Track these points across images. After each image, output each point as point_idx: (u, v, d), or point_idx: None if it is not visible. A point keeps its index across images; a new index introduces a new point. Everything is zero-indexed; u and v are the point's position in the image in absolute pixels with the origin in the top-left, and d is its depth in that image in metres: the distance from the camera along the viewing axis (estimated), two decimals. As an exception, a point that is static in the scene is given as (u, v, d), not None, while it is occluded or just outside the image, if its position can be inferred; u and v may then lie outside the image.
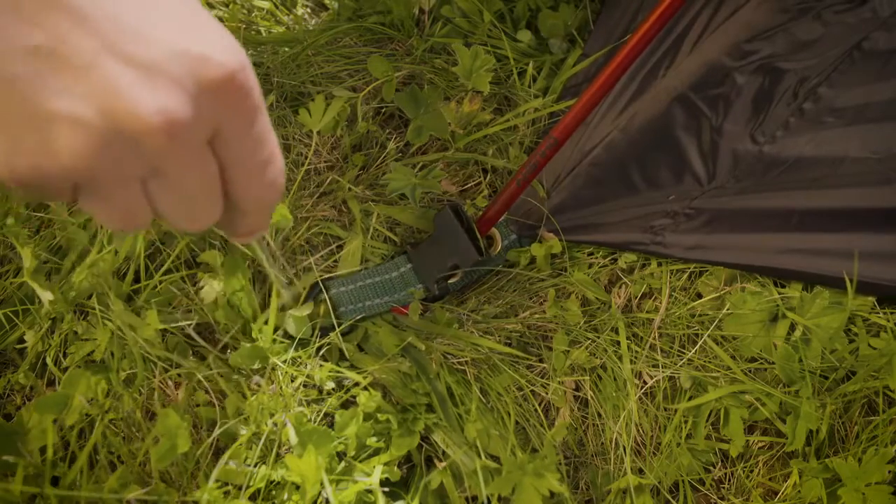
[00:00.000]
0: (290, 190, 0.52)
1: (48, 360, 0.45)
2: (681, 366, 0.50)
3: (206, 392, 0.43)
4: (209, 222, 0.33)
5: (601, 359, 0.50)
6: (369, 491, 0.42)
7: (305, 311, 0.48)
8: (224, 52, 0.29)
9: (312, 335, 0.48)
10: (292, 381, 0.46)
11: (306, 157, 0.53)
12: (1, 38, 0.27)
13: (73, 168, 0.29)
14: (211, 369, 0.42)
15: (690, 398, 0.49)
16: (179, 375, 0.44)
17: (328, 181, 0.53)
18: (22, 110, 0.28)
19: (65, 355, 0.45)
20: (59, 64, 0.27)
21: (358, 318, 0.50)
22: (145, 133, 0.27)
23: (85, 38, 0.27)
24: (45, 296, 0.45)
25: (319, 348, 0.48)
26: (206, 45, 0.29)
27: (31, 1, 0.26)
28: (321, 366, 0.48)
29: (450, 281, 0.53)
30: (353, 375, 0.45)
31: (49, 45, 0.27)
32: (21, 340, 0.46)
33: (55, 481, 0.40)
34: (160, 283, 0.48)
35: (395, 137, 0.58)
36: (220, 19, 0.60)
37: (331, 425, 0.46)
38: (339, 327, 0.49)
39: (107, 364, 0.43)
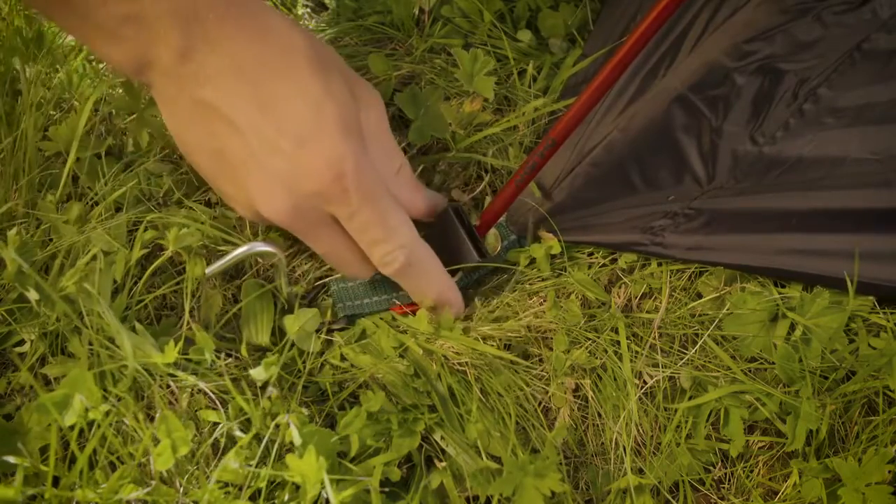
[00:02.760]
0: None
1: (35, 364, 0.45)
2: (681, 366, 0.50)
3: (207, 396, 0.43)
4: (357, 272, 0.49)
5: (601, 359, 0.50)
6: (368, 491, 0.42)
7: (311, 319, 0.48)
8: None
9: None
10: (294, 383, 0.46)
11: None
12: None
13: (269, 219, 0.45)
14: (221, 375, 0.42)
15: (690, 398, 0.49)
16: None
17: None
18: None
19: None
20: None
21: (355, 314, 0.50)
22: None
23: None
24: (31, 294, 0.45)
25: (322, 352, 0.48)
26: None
27: None
28: (322, 366, 0.48)
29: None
30: (359, 370, 0.45)
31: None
32: (20, 342, 0.46)
33: (55, 482, 0.40)
34: (151, 289, 0.48)
35: (396, 138, 0.58)
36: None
37: (331, 425, 0.46)
38: (343, 328, 0.49)
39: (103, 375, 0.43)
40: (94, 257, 0.46)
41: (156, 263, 0.48)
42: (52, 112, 0.54)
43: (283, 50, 0.43)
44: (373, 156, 0.46)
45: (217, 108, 0.42)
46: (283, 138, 0.42)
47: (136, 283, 0.48)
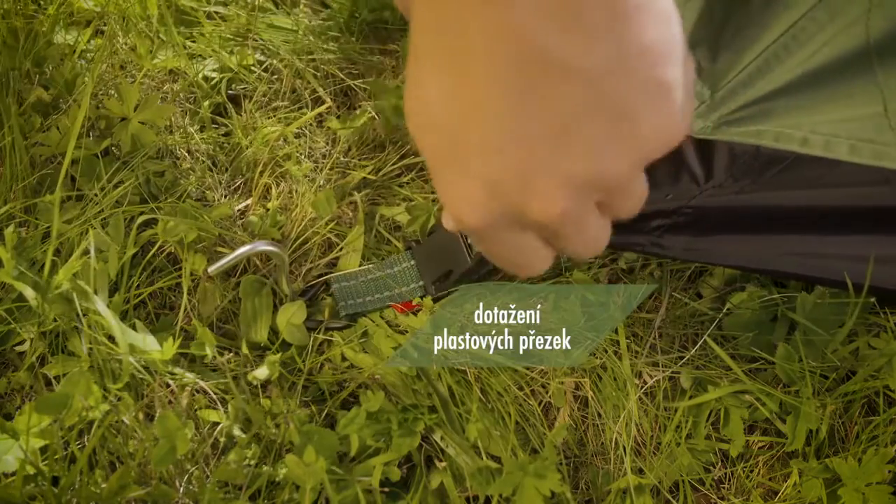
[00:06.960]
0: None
1: (34, 363, 0.44)
2: (681, 366, 0.50)
3: (207, 395, 0.43)
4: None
5: (601, 359, 0.50)
6: (369, 491, 0.42)
7: (296, 311, 0.48)
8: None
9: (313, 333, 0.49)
10: (294, 383, 0.46)
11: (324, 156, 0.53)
12: None
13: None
14: (224, 374, 0.42)
15: (690, 398, 0.49)
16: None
17: (333, 181, 0.53)
18: None
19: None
20: None
21: (357, 312, 0.50)
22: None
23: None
24: (28, 292, 0.45)
25: (322, 352, 0.48)
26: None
27: None
28: (322, 366, 0.48)
29: (447, 281, 0.52)
30: (359, 370, 0.45)
31: None
32: (20, 341, 0.46)
33: (55, 482, 0.40)
34: (150, 282, 0.48)
35: (400, 139, 0.57)
36: (223, 18, 0.60)
37: (331, 425, 0.46)
38: (342, 327, 0.49)
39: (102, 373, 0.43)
40: (87, 252, 0.46)
41: (149, 255, 0.48)
42: (49, 113, 0.54)
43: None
44: None
45: (548, 51, 0.25)
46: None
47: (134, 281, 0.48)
